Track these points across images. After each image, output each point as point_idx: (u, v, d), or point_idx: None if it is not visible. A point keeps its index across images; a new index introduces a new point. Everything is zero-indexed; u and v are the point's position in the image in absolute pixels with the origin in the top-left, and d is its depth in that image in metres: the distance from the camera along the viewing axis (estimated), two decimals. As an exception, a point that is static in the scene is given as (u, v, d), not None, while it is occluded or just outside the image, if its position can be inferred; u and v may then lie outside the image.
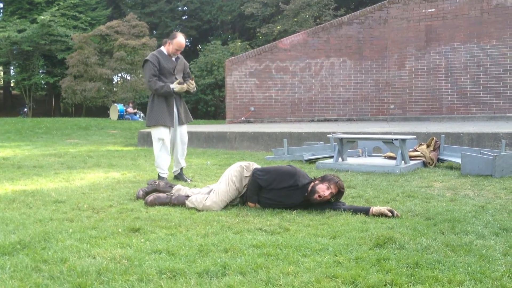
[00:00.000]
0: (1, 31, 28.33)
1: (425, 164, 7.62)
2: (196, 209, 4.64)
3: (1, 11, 36.85)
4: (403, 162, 7.16)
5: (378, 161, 7.91)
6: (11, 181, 6.26)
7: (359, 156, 8.60)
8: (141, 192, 5.13)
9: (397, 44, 16.05)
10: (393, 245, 3.36)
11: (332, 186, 4.42)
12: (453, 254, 3.16)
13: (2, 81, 40.13)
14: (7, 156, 9.55)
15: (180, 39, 6.45)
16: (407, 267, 2.94)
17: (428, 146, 7.85)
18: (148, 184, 5.32)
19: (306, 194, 4.46)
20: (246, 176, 4.70)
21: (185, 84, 6.46)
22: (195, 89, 6.74)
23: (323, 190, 4.39)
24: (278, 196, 4.56)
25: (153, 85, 6.35)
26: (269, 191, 4.57)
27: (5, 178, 6.53)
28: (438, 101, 15.57)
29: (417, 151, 7.80)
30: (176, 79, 6.49)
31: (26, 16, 30.59)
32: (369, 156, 8.70)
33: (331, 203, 4.53)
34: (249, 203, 4.69)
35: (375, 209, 4.30)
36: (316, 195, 4.40)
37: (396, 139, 7.26)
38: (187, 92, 6.63)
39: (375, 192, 5.42)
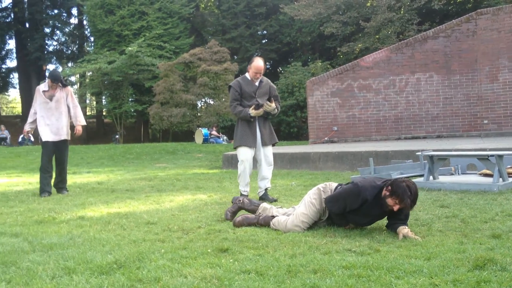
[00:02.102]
0: (93, 63, 30.06)
1: (524, 181, 7.14)
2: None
3: (92, 44, 39.25)
4: (501, 179, 6.76)
5: (473, 179, 7.52)
6: (106, 204, 6.55)
7: (452, 174, 8.23)
8: (229, 214, 5.18)
9: (488, 56, 15.32)
10: (494, 267, 3.16)
11: (398, 202, 4.16)
12: None
13: (95, 110, 42.47)
14: (101, 180, 10.03)
15: (257, 63, 6.64)
16: (511, 290, 2.74)
17: (526, 161, 7.37)
18: (233, 202, 5.37)
19: (381, 202, 4.27)
20: (324, 198, 4.62)
21: (260, 109, 6.58)
22: (276, 110, 6.76)
23: (392, 205, 4.20)
24: (359, 215, 4.42)
25: (233, 109, 6.73)
26: (350, 213, 4.44)
27: (101, 202, 6.85)
28: (536, 114, 14.64)
29: (515, 167, 7.35)
30: (257, 101, 6.61)
31: (115, 48, 32.26)
32: (462, 173, 8.30)
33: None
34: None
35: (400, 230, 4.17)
36: (389, 207, 4.23)
37: (492, 155, 6.88)
38: (269, 113, 6.70)
39: (471, 212, 5.14)
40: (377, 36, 26.31)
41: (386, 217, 4.48)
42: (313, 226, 4.66)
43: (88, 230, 4.79)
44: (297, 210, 4.69)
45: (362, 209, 4.35)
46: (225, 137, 25.54)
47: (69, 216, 5.62)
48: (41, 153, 8.05)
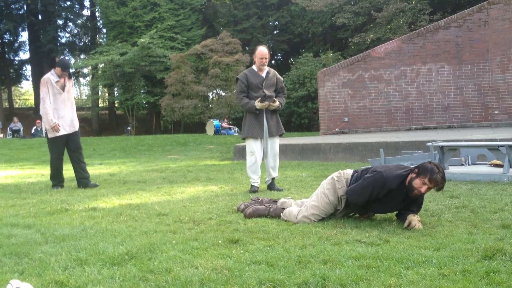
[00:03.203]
0: (105, 55, 30.15)
1: (535, 172, 7.10)
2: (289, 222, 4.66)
3: (105, 36, 39.36)
4: (511, 169, 6.73)
5: (483, 169, 7.50)
6: (118, 196, 6.62)
7: (462, 164, 8.20)
8: (242, 206, 5.16)
9: (500, 46, 15.17)
10: (503, 257, 3.17)
11: (427, 181, 4.09)
12: None
13: (107, 102, 42.65)
14: (113, 172, 10.12)
15: (260, 49, 6.83)
16: (520, 280, 2.75)
17: (538, 152, 7.32)
18: (252, 199, 5.36)
19: (405, 190, 4.23)
20: (339, 188, 4.55)
21: (266, 101, 6.71)
22: (280, 106, 6.89)
23: (420, 186, 4.12)
24: (383, 203, 4.38)
25: (239, 101, 6.91)
26: (373, 202, 4.40)
27: (112, 193, 6.92)
28: (548, 104, 14.51)
29: (526, 157, 7.30)
30: (264, 93, 6.68)
31: (127, 39, 32.32)
32: (473, 164, 8.27)
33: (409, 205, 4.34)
34: (361, 217, 4.62)
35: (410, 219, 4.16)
36: (415, 191, 4.17)
37: (502, 146, 6.85)
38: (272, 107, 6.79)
39: (481, 202, 5.14)
40: (388, 27, 26.12)
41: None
42: (329, 217, 4.65)
43: (100, 221, 4.85)
44: (309, 201, 4.69)
45: (386, 197, 4.31)
46: (236, 129, 25.55)
47: (81, 208, 5.69)
48: (49, 150, 7.82)
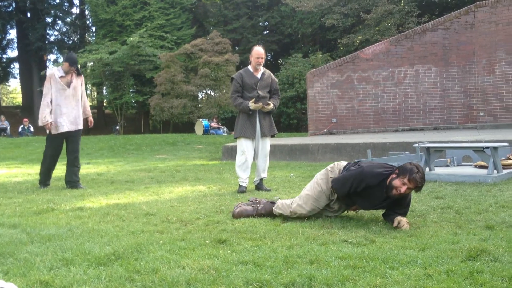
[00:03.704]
0: (94, 53, 29.99)
1: (520, 173, 7.20)
2: (283, 215, 4.70)
3: (94, 34, 39.14)
4: (495, 171, 6.81)
5: (468, 170, 7.57)
6: (105, 196, 6.59)
7: (448, 165, 8.28)
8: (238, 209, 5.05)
9: (486, 49, 15.32)
10: (487, 258, 3.21)
11: (407, 181, 4.15)
12: (555, 268, 2.96)
13: (96, 101, 42.41)
14: (101, 171, 10.07)
15: (257, 49, 6.89)
16: (502, 280, 2.80)
17: (523, 154, 7.42)
18: (249, 201, 5.30)
19: (385, 190, 4.28)
20: (331, 177, 4.62)
21: (260, 103, 6.76)
22: (274, 108, 6.97)
23: (399, 186, 4.17)
24: (363, 197, 4.44)
25: (233, 101, 6.93)
26: (354, 195, 4.47)
27: (100, 193, 6.89)
28: (532, 106, 14.67)
29: (510, 159, 7.40)
30: (258, 93, 6.72)
31: (117, 38, 32.18)
32: (458, 165, 8.34)
33: (395, 206, 4.37)
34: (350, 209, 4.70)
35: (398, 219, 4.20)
36: (393, 191, 4.22)
37: (487, 147, 6.93)
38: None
39: (465, 203, 5.20)
40: (377, 28, 26.27)
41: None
42: (319, 215, 4.68)
43: (87, 221, 4.83)
44: (303, 191, 4.75)
45: (366, 192, 4.38)
46: (225, 129, 25.55)
47: (68, 207, 5.66)
48: (46, 146, 7.56)
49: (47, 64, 41.54)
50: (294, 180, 7.86)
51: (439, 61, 15.75)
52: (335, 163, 4.80)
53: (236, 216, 4.85)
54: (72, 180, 7.52)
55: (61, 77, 7.34)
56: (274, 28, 36.22)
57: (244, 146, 6.82)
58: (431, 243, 3.62)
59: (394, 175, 4.26)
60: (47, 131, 7.44)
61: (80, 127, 7.55)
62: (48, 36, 40.92)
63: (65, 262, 3.36)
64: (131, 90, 33.48)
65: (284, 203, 4.75)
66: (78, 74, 7.52)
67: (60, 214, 5.24)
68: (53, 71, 7.44)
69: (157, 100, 27.94)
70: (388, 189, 4.25)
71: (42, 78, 38.05)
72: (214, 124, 25.41)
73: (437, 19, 16.49)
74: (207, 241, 3.87)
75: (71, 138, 7.51)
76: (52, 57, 42.43)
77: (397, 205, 4.37)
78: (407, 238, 3.84)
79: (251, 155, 6.87)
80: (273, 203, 4.89)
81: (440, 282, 2.80)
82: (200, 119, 25.20)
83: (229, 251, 3.57)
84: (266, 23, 37.17)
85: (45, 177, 7.63)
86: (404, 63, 15.89)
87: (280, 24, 35.09)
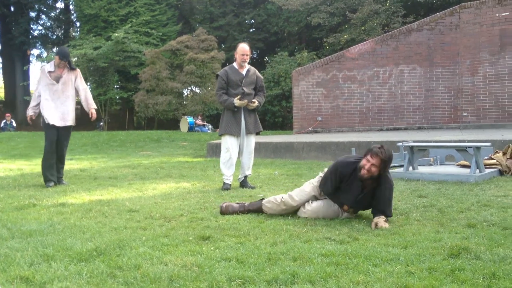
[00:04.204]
0: (79, 48, 29.67)
1: (501, 173, 7.28)
2: (273, 210, 4.72)
3: (78, 30, 38.73)
4: (477, 170, 6.88)
5: (451, 169, 7.64)
6: (88, 192, 6.54)
7: (431, 164, 8.34)
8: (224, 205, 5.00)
9: (470, 50, 15.47)
10: (468, 256, 3.24)
11: (370, 157, 4.24)
12: (534, 266, 2.99)
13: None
14: (84, 168, 9.99)
15: (242, 46, 6.88)
16: (484, 277, 2.82)
17: (504, 153, 7.50)
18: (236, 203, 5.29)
19: (359, 176, 4.35)
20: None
21: (245, 100, 6.74)
22: (259, 105, 6.95)
23: (364, 164, 4.26)
24: (344, 192, 4.49)
25: (218, 98, 6.89)
26: (338, 191, 4.53)
27: (82, 189, 6.83)
28: (515, 107, 14.84)
29: (492, 159, 7.47)
30: (243, 90, 6.70)
31: (101, 34, 31.86)
32: (441, 164, 8.42)
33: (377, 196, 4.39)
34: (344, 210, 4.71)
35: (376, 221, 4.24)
36: (362, 172, 4.28)
37: (470, 147, 6.99)
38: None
39: (448, 202, 5.24)
40: (363, 28, 26.38)
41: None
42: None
43: (69, 217, 4.79)
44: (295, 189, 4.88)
45: (345, 185, 4.44)
46: (210, 126, 25.48)
47: (50, 203, 5.60)
48: (44, 139, 7.35)
49: (31, 59, 41.05)
50: (279, 178, 7.87)
51: (423, 61, 15.86)
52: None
53: (224, 210, 4.84)
54: (57, 176, 7.35)
55: (50, 72, 7.17)
56: (260, 26, 36.16)
57: (228, 143, 6.79)
58: (414, 241, 3.64)
59: (362, 158, 4.38)
60: (38, 124, 7.33)
61: (69, 123, 7.31)
62: (31, 31, 40.40)
63: (46, 258, 3.33)
64: (115, 86, 33.20)
65: (276, 197, 4.81)
66: (72, 68, 7.32)
67: (41, 210, 5.19)
68: (45, 66, 7.29)
69: (141, 97, 27.75)
70: (358, 173, 4.32)
71: (25, 73, 37.78)
72: (199, 122, 25.33)
73: (422, 20, 16.60)
74: (190, 238, 3.85)
75: (60, 134, 7.30)
76: (35, 52, 41.88)
77: (377, 200, 4.39)
78: (389, 236, 3.86)
79: (236, 152, 6.85)
80: (262, 199, 4.92)
81: (422, 279, 2.81)
82: (185, 116, 25.11)
83: (212, 248, 3.56)
84: (253, 21, 37.10)
85: (46, 174, 7.25)
86: (389, 63, 15.98)
87: (266, 22, 35.05)
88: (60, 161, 7.43)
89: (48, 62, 7.22)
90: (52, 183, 7.17)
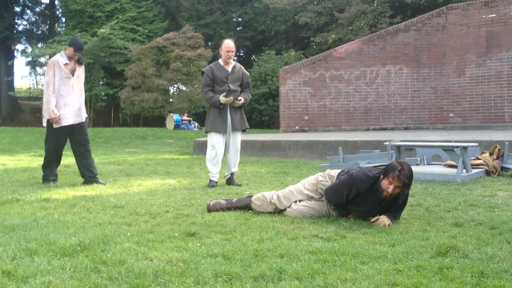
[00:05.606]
0: (64, 44, 29.38)
1: (488, 173, 7.32)
2: (262, 208, 4.70)
3: (64, 25, 38.35)
4: (464, 170, 6.91)
5: (438, 169, 7.67)
6: (72, 187, 6.45)
7: (418, 164, 8.37)
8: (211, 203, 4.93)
9: (456, 51, 15.58)
10: (456, 254, 3.23)
11: (392, 179, 4.06)
12: (522, 264, 2.99)
13: (64, 93, 41.50)
14: (68, 163, 9.85)
15: (227, 42, 6.81)
16: (472, 276, 2.81)
17: (491, 154, 7.54)
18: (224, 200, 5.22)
19: (377, 193, 4.18)
20: (321, 181, 4.58)
21: (231, 97, 6.69)
22: (245, 102, 6.89)
23: (387, 186, 4.08)
24: (357, 205, 4.36)
25: (204, 95, 6.83)
26: (349, 203, 4.39)
27: (67, 184, 6.74)
28: (500, 109, 14.97)
29: (479, 159, 7.51)
30: (229, 87, 6.65)
31: (87, 29, 31.61)
32: (428, 164, 8.45)
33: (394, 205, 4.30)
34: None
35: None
36: (384, 193, 4.12)
37: (457, 147, 7.02)
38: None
39: (435, 201, 5.25)
40: (350, 28, 26.46)
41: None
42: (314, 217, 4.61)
43: (53, 212, 4.71)
44: (286, 188, 4.80)
45: (358, 200, 4.29)
46: (196, 124, 25.40)
47: (34, 198, 5.52)
48: (46, 137, 6.87)
49: (15, 54, 40.58)
50: (265, 175, 7.84)
51: (410, 61, 15.95)
52: (325, 172, 4.70)
53: (211, 208, 4.79)
54: (89, 175, 6.85)
55: (65, 64, 6.64)
56: (248, 25, 36.12)
57: (214, 141, 6.73)
58: (401, 239, 3.63)
59: (381, 177, 4.18)
60: (44, 123, 6.81)
61: (83, 119, 6.85)
62: (16, 26, 39.97)
63: (28, 252, 3.27)
64: (101, 83, 32.97)
65: (265, 194, 4.75)
66: (80, 62, 6.83)
67: (25, 205, 5.11)
68: (57, 58, 6.67)
69: (127, 93, 27.56)
70: (379, 192, 4.16)
71: (10, 68, 37.32)
72: (185, 117, 25.23)
73: (409, 20, 16.69)
74: (176, 234, 3.80)
75: (76, 130, 6.81)
76: (20, 47, 41.45)
77: (390, 207, 4.31)
78: (377, 234, 3.85)
79: (222, 149, 6.81)
80: (250, 196, 4.88)
81: (411, 277, 2.80)
82: (171, 114, 25.00)
83: (198, 244, 3.51)
84: (240, 19, 37.06)
85: (45, 172, 6.91)
86: (376, 63, 16.04)
87: (254, 20, 35.03)
88: (86, 157, 6.89)
89: (51, 56, 6.62)
90: (51, 182, 6.82)
